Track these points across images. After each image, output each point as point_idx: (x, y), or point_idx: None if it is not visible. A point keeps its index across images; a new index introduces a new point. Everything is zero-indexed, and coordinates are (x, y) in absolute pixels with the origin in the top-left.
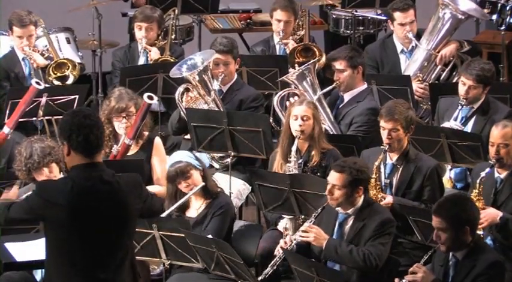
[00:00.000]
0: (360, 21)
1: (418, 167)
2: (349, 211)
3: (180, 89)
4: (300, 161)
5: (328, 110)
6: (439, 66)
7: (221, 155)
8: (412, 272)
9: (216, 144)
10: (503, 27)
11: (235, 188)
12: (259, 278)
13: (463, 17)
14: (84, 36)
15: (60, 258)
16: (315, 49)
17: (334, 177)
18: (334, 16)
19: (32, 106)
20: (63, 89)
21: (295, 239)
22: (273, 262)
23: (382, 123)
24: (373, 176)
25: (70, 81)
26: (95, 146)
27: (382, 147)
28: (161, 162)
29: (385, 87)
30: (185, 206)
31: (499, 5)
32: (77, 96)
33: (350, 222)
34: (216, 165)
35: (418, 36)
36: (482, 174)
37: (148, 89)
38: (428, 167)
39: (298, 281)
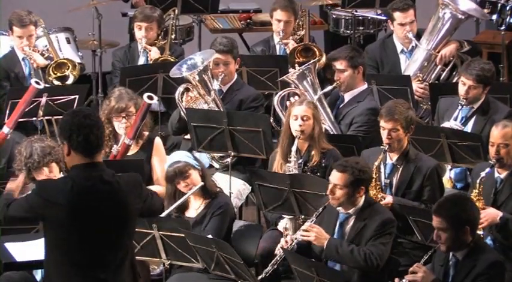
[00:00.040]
0: (360, 21)
1: (418, 167)
2: (350, 211)
3: (180, 88)
4: (300, 161)
5: (328, 110)
6: (439, 66)
7: (221, 155)
8: (412, 271)
9: (216, 144)
10: (503, 27)
11: (235, 188)
12: (260, 277)
13: (463, 17)
14: (84, 36)
15: (60, 258)
16: (315, 49)
17: (336, 177)
18: (334, 16)
19: (32, 106)
20: (63, 89)
21: (296, 238)
22: (273, 261)
23: (382, 123)
24: (373, 176)
25: (70, 81)
26: (95, 146)
27: (382, 147)
28: (161, 162)
29: (385, 87)
30: (184, 207)
31: (499, 5)
32: (77, 96)
33: (351, 222)
34: (216, 165)
35: (418, 36)
36: (482, 174)
37: (148, 89)
38: (428, 167)
39: (298, 281)
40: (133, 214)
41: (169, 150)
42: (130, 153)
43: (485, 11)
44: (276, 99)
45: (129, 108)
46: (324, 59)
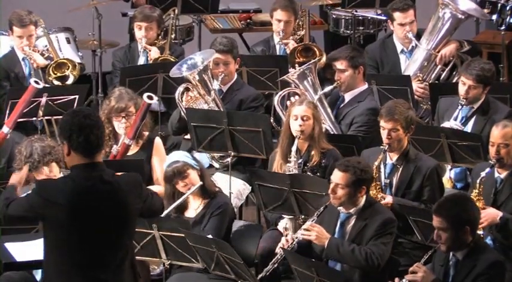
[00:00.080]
0: (360, 21)
1: (418, 167)
2: (351, 211)
3: (180, 88)
4: (300, 161)
5: (328, 110)
6: (439, 66)
7: (221, 155)
8: (412, 271)
9: (216, 144)
10: (503, 27)
11: (235, 188)
12: (260, 275)
13: (463, 17)
14: (84, 36)
15: (60, 258)
16: (315, 49)
17: (337, 176)
18: (334, 16)
19: (32, 106)
20: (63, 89)
21: (296, 238)
22: (274, 259)
23: (382, 123)
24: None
25: (70, 81)
26: (95, 146)
27: (382, 147)
28: (161, 162)
29: (385, 87)
30: (183, 207)
31: (499, 5)
32: (77, 96)
33: (352, 221)
34: (216, 165)
35: (418, 36)
36: (482, 174)
37: (148, 88)
38: (428, 167)
39: (298, 281)
40: (133, 214)
41: (169, 150)
42: (130, 153)
43: (485, 11)
44: (276, 99)
45: (129, 108)
46: (324, 59)
